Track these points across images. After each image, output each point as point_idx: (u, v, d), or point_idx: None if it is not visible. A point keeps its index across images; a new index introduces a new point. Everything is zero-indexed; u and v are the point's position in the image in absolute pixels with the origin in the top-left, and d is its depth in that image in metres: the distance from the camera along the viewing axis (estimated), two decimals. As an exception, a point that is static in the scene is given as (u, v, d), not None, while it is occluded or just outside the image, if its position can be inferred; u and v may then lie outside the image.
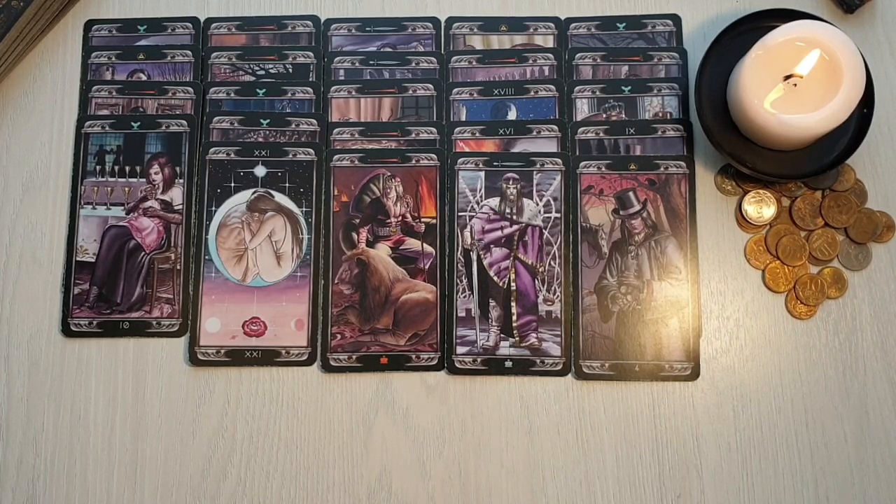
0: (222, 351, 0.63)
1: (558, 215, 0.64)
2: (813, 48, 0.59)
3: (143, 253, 0.65)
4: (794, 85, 0.59)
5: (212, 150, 0.66)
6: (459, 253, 0.64)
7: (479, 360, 0.62)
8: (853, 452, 0.61)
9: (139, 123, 0.66)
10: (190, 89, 0.67)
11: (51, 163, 0.66)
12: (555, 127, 0.65)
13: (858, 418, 0.61)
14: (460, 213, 0.64)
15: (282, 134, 0.66)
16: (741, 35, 0.63)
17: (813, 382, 0.62)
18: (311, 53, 0.68)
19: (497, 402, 0.62)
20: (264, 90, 0.67)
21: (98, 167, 0.66)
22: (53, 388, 0.63)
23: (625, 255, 0.64)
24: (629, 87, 0.66)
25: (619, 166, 0.65)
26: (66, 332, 0.64)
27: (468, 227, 0.64)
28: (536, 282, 0.63)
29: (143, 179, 0.66)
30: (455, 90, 0.66)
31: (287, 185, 0.65)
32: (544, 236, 0.64)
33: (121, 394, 0.63)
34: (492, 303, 0.63)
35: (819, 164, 0.62)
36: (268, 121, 0.66)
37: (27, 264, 0.65)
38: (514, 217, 0.64)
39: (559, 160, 0.65)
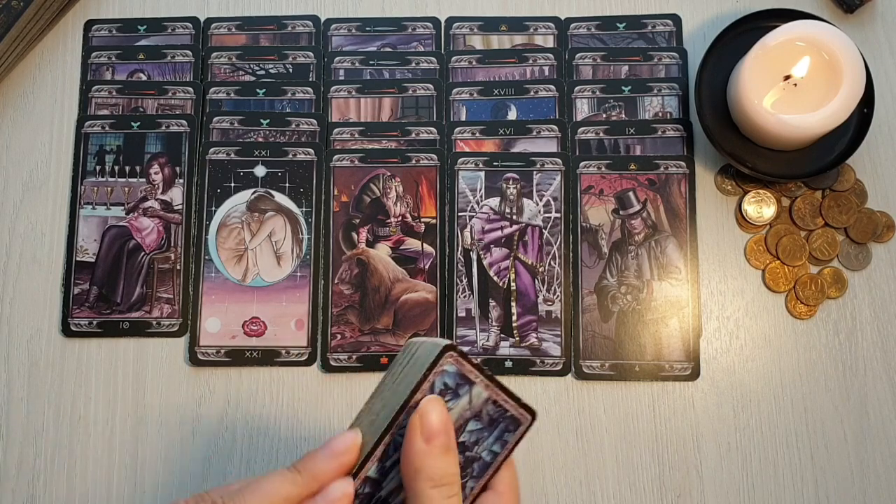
0: (222, 351, 0.63)
1: (558, 215, 0.64)
2: (813, 48, 0.59)
3: (143, 253, 0.65)
4: (794, 85, 0.59)
5: (212, 150, 0.66)
6: (459, 253, 0.64)
7: (479, 360, 0.62)
8: (853, 452, 0.61)
9: (139, 123, 0.66)
10: (190, 89, 0.67)
11: (51, 163, 0.66)
12: (555, 127, 0.65)
13: (858, 418, 0.61)
14: (460, 213, 0.64)
15: (282, 134, 0.66)
16: (741, 35, 0.63)
17: (813, 382, 0.62)
18: (311, 53, 0.68)
19: (497, 402, 0.62)
20: (264, 90, 0.67)
21: (98, 167, 0.66)
22: (53, 388, 0.63)
23: (625, 255, 0.64)
24: (629, 87, 0.66)
25: (619, 166, 0.65)
26: (66, 332, 0.64)
27: (468, 227, 0.64)
28: (536, 282, 0.63)
29: (143, 179, 0.66)
30: (455, 90, 0.66)
31: (287, 185, 0.65)
32: (544, 236, 0.64)
33: (121, 394, 0.63)
34: (492, 303, 0.63)
35: (819, 164, 0.62)
36: (268, 121, 0.66)
37: (27, 264, 0.65)
38: (514, 217, 0.64)
39: (559, 160, 0.65)
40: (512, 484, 0.41)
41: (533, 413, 0.41)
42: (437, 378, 0.38)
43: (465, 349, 0.62)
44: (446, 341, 0.39)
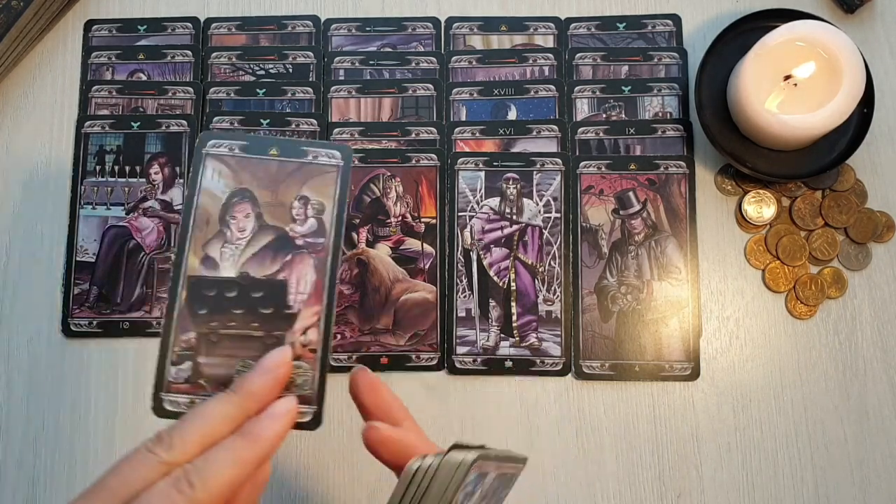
0: (222, 351, 0.63)
1: (558, 215, 0.64)
2: (813, 48, 0.59)
3: (143, 253, 0.65)
4: (794, 85, 0.59)
5: (212, 150, 0.66)
6: (459, 253, 0.64)
7: (479, 360, 0.62)
8: (853, 452, 0.61)
9: (139, 123, 0.66)
10: (190, 89, 0.67)
11: (51, 163, 0.66)
12: (555, 127, 0.65)
13: (858, 418, 0.61)
14: (460, 213, 0.64)
15: (282, 134, 0.66)
16: (741, 35, 0.63)
17: (813, 382, 0.62)
18: (311, 53, 0.67)
19: (497, 402, 0.62)
20: (264, 90, 0.67)
21: (98, 167, 0.66)
22: (53, 388, 0.63)
23: (625, 255, 0.63)
24: (629, 87, 0.66)
25: (619, 166, 0.65)
26: (66, 332, 0.63)
27: (468, 227, 0.64)
28: (536, 282, 0.63)
29: (143, 179, 0.66)
30: (455, 90, 0.66)
31: (287, 185, 0.65)
32: (544, 236, 0.64)
33: (121, 394, 0.63)
34: (492, 303, 0.63)
35: (819, 164, 0.62)
36: (268, 121, 0.66)
37: (27, 264, 0.65)
38: (514, 217, 0.64)
39: (559, 160, 0.65)
40: None
41: (524, 460, 0.42)
42: (461, 494, 0.38)
43: (465, 349, 0.62)
44: (466, 457, 0.37)
